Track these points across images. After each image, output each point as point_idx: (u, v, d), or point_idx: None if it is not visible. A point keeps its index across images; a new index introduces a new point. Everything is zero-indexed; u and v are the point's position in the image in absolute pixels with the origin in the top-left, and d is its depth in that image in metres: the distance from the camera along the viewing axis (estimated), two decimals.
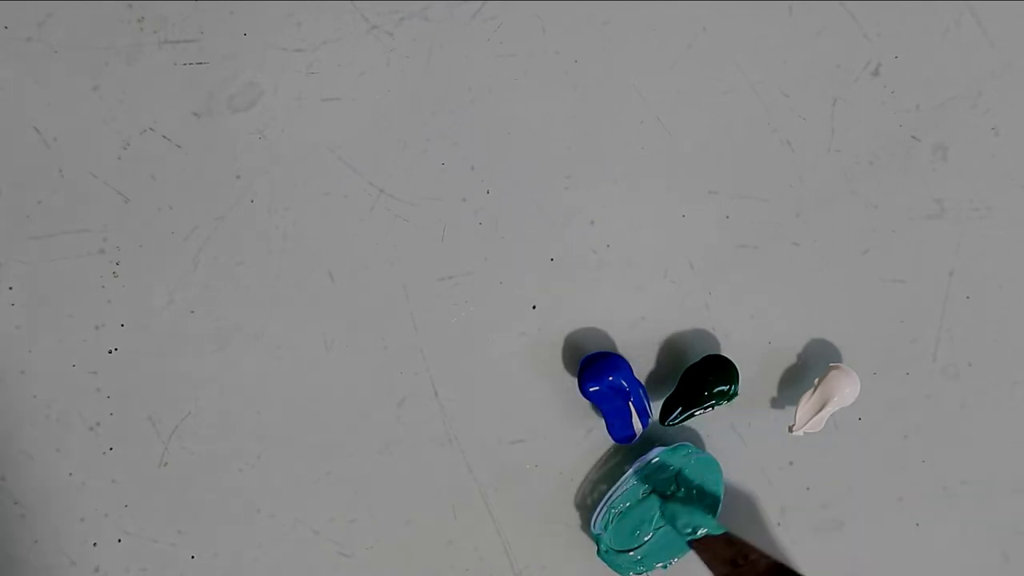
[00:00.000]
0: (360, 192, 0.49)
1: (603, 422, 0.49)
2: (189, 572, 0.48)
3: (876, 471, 0.50)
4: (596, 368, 0.47)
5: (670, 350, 0.50)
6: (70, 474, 0.48)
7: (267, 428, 0.49)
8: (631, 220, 0.50)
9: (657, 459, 0.47)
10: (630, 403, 0.47)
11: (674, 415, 0.47)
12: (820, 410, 0.47)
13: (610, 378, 0.46)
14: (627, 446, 0.50)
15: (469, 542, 0.49)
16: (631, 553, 0.48)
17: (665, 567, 0.48)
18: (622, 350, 0.50)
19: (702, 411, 0.47)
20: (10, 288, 0.48)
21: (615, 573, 0.48)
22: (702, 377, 0.47)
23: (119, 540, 0.48)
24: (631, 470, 0.47)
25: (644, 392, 0.48)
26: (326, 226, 0.49)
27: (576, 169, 0.50)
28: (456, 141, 0.50)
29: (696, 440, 0.50)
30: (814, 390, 0.47)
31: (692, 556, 0.49)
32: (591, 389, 0.47)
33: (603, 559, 0.47)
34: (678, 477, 0.48)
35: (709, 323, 0.50)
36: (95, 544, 0.48)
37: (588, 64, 0.50)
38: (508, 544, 0.50)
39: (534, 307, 0.50)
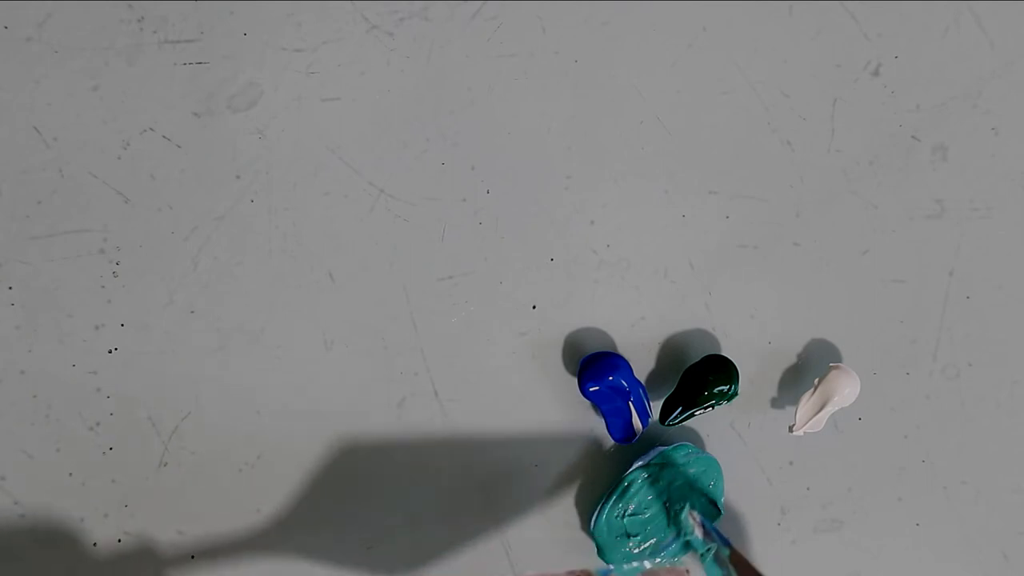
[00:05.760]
0: (360, 192, 0.50)
1: (603, 422, 0.49)
2: (189, 572, 0.48)
3: (876, 471, 0.50)
4: (596, 368, 0.47)
5: (670, 350, 0.50)
6: (70, 474, 0.48)
7: (267, 428, 0.49)
8: (631, 220, 0.50)
9: (657, 459, 0.47)
10: (630, 403, 0.47)
11: (674, 415, 0.47)
12: (820, 410, 0.47)
13: (610, 378, 0.46)
14: (627, 446, 0.50)
15: (469, 542, 0.49)
16: (631, 553, 0.48)
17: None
18: (622, 350, 0.50)
19: (702, 411, 0.47)
20: (10, 288, 0.48)
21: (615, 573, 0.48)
22: (702, 377, 0.47)
23: (119, 540, 0.48)
24: (631, 470, 0.47)
25: (644, 392, 0.48)
26: (326, 226, 0.49)
27: (576, 169, 0.50)
28: (456, 141, 0.50)
29: (696, 440, 0.50)
30: (814, 390, 0.47)
31: (691, 556, 0.49)
32: (591, 389, 0.47)
33: (603, 559, 0.47)
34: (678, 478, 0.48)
35: (709, 323, 0.50)
36: (95, 544, 0.48)
37: (588, 64, 0.50)
38: (508, 544, 0.50)
39: (534, 307, 0.50)
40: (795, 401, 0.49)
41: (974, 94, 0.51)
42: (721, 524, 0.50)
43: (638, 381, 0.48)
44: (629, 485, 0.47)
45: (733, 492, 0.50)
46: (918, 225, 0.50)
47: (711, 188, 0.50)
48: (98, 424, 0.48)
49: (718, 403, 0.47)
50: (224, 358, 0.49)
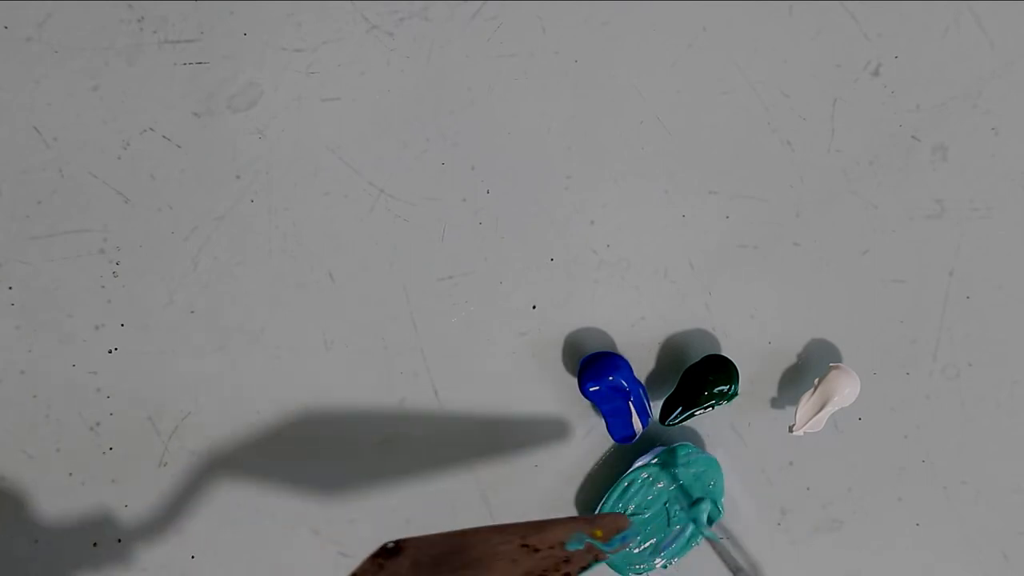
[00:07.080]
0: (360, 192, 0.49)
1: (603, 422, 0.49)
2: (189, 572, 0.48)
3: (876, 471, 0.50)
4: (596, 368, 0.47)
5: (670, 350, 0.50)
6: (70, 474, 0.48)
7: (267, 428, 0.49)
8: (631, 220, 0.50)
9: (657, 459, 0.47)
10: (630, 403, 0.47)
11: (674, 415, 0.47)
12: (820, 410, 0.47)
13: (610, 378, 0.46)
14: (627, 446, 0.50)
15: None
16: (631, 553, 0.48)
17: (665, 566, 0.48)
18: (622, 350, 0.50)
19: (702, 411, 0.47)
20: (10, 288, 0.48)
21: (615, 573, 0.48)
22: (702, 377, 0.47)
23: (119, 540, 0.48)
24: (631, 470, 0.47)
25: (644, 392, 0.48)
26: (326, 226, 0.49)
27: (576, 169, 0.50)
28: (456, 141, 0.50)
29: (696, 440, 0.50)
30: (814, 390, 0.47)
31: (692, 556, 0.49)
32: (591, 389, 0.47)
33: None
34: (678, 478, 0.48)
35: (709, 323, 0.50)
36: (95, 544, 0.48)
37: (588, 64, 0.50)
38: None
39: (534, 307, 0.50)
40: (795, 401, 0.49)
41: (974, 94, 0.51)
42: (722, 524, 0.50)
43: (638, 381, 0.48)
44: (629, 485, 0.47)
45: (733, 492, 0.50)
46: (918, 225, 0.50)
47: (711, 188, 0.50)
48: (98, 424, 0.48)
49: (718, 403, 0.47)
50: (224, 358, 0.49)
